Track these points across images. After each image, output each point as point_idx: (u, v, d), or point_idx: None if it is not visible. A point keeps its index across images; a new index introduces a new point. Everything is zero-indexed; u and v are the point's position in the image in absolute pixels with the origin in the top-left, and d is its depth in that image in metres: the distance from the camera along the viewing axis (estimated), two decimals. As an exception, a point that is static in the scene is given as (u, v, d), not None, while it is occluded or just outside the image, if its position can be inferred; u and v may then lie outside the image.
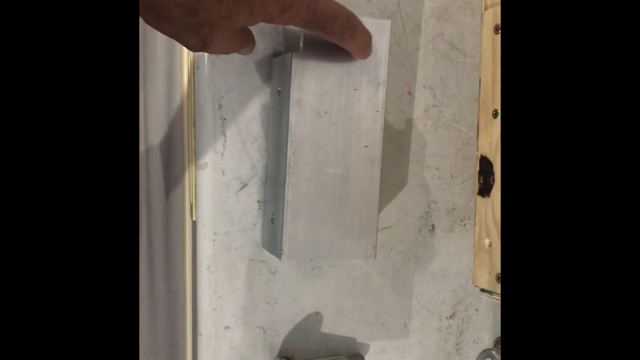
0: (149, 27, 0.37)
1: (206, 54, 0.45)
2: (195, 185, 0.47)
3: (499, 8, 0.48)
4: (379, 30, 0.44)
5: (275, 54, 0.46)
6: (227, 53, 0.39)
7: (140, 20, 0.36)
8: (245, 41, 0.39)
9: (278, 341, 0.49)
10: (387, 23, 0.44)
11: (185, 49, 0.50)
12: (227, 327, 0.47)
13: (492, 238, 0.50)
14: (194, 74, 0.47)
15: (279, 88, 0.44)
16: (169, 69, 0.61)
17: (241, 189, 0.47)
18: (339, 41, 0.39)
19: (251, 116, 0.46)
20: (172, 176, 0.60)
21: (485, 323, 0.56)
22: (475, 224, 0.52)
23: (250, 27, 0.44)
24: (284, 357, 0.48)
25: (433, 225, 0.53)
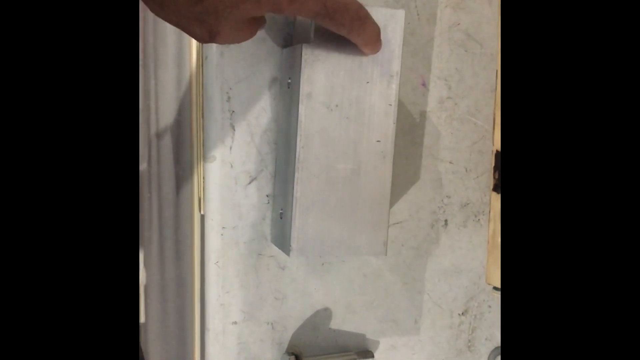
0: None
1: (215, 45, 0.44)
2: (203, 178, 0.46)
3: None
4: (392, 21, 0.42)
5: (286, 45, 0.45)
6: (238, 43, 0.38)
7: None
8: (255, 30, 0.38)
9: (286, 337, 0.48)
10: (401, 13, 0.42)
11: (193, 39, 0.48)
12: (235, 323, 0.47)
13: (507, 235, 0.49)
14: (202, 65, 0.46)
15: (289, 80, 0.43)
16: (179, 55, 0.60)
17: (250, 182, 0.46)
18: (347, 34, 0.38)
19: (260, 108, 0.45)
20: (181, 166, 0.59)
21: (497, 320, 0.55)
22: (489, 220, 0.50)
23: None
24: (292, 353, 0.47)
25: (446, 221, 0.52)
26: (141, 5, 0.35)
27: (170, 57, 0.65)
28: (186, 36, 0.54)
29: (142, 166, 1.03)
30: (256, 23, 0.38)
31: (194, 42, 0.50)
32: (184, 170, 0.56)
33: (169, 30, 0.64)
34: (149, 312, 1.00)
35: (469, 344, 0.55)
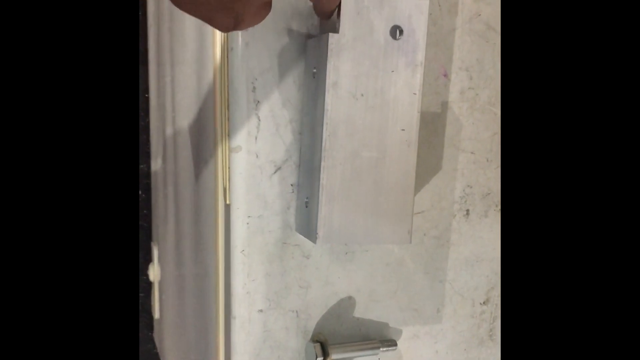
0: (175, 11, 0.37)
1: (240, 35, 0.44)
2: (228, 168, 0.47)
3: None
4: (417, 10, 0.43)
5: (310, 35, 0.45)
6: (255, 24, 0.38)
7: (168, 4, 0.36)
8: (269, 8, 0.38)
9: (311, 325, 0.49)
10: (426, 2, 0.43)
11: (217, 31, 0.49)
12: (261, 311, 0.47)
13: (529, 223, 0.49)
14: (227, 56, 0.46)
15: (314, 70, 0.44)
16: (200, 51, 0.60)
17: (275, 172, 0.46)
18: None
19: (285, 98, 0.46)
20: (202, 159, 0.60)
21: (519, 309, 0.55)
22: (511, 209, 0.51)
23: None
24: (317, 341, 0.48)
25: (467, 210, 0.52)
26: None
27: (189, 53, 0.66)
28: (208, 31, 0.55)
29: (157, 164, 1.04)
30: (270, 1, 0.37)
31: (218, 36, 0.50)
32: (206, 162, 0.56)
33: (188, 27, 0.65)
34: (164, 307, 1.01)
35: (490, 333, 0.55)
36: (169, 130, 0.87)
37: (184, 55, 0.69)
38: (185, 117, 0.70)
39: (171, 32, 0.78)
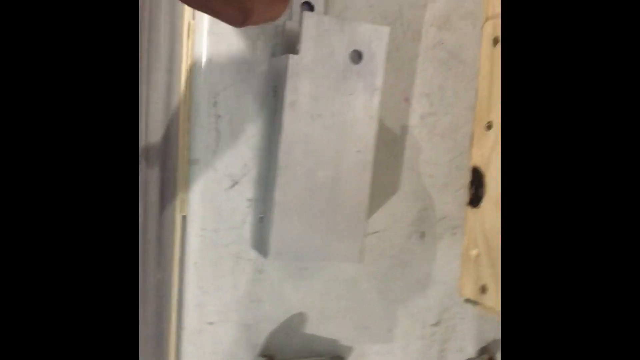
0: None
1: (205, 50, 0.45)
2: (187, 180, 0.47)
3: (499, 20, 0.48)
4: (377, 37, 0.44)
5: (273, 54, 0.46)
6: (272, 20, 0.36)
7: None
8: (287, 3, 0.36)
9: (261, 340, 0.49)
10: (386, 30, 0.44)
11: (184, 41, 0.50)
12: (211, 323, 0.47)
13: (480, 249, 0.50)
14: (190, 70, 0.47)
15: (275, 88, 0.45)
16: (170, 60, 0.61)
17: (232, 186, 0.47)
18: None
19: (246, 114, 0.46)
20: (168, 169, 0.60)
21: (470, 332, 0.56)
22: (464, 234, 0.52)
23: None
24: (266, 356, 0.48)
25: (423, 232, 0.53)
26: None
27: (162, 63, 0.66)
28: (178, 41, 0.55)
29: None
30: None
31: (184, 48, 0.51)
32: (169, 173, 0.57)
33: (163, 36, 0.66)
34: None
35: (440, 355, 0.56)
36: (142, 139, 0.87)
37: (159, 64, 0.69)
38: (155, 127, 0.70)
39: (149, 40, 0.79)
